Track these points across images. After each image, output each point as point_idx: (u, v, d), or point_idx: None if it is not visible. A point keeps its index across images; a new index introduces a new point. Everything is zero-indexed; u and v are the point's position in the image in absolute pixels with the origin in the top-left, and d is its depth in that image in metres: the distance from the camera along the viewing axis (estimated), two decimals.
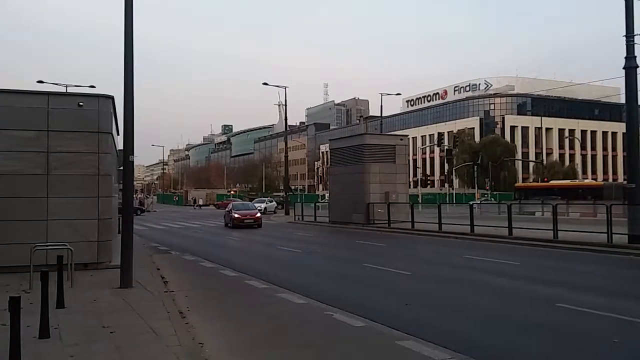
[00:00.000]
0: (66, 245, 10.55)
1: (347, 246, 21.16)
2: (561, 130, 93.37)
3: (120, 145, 13.58)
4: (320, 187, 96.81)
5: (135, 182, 14.30)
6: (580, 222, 22.91)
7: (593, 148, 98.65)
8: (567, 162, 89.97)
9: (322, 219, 34.19)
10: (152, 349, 6.26)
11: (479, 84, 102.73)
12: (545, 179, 57.70)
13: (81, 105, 12.93)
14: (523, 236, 19.47)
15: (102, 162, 13.08)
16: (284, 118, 48.53)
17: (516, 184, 62.39)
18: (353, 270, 14.02)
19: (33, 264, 10.05)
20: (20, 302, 5.01)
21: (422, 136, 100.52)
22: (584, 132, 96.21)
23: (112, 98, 13.64)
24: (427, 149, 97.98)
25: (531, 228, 20.06)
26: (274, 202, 54.37)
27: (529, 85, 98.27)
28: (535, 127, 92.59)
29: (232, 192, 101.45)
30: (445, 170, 79.23)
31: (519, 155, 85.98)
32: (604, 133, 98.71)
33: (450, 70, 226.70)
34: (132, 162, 11.06)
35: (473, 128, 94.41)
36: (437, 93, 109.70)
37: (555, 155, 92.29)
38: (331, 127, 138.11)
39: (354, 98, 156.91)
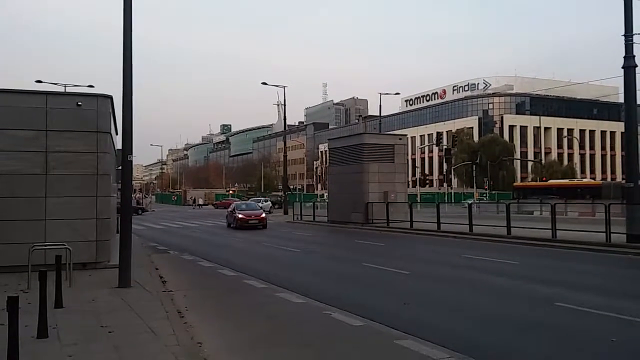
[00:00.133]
0: (64, 245, 10.54)
1: (346, 246, 21.16)
2: (560, 130, 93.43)
3: (118, 144, 13.58)
4: (319, 186, 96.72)
5: (133, 182, 14.27)
6: (579, 221, 22.95)
7: (591, 147, 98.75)
8: (565, 162, 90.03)
9: (321, 218, 34.18)
10: (150, 349, 6.26)
11: (478, 84, 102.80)
12: (544, 179, 57.77)
13: (80, 105, 12.92)
14: (522, 235, 19.48)
15: (101, 162, 13.07)
16: (282, 118, 48.55)
17: (515, 184, 62.52)
18: (352, 269, 14.02)
19: (31, 264, 10.06)
20: (18, 302, 5.00)
21: (421, 136, 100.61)
22: (582, 131, 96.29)
23: (110, 98, 13.63)
24: (426, 149, 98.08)
25: (530, 227, 20.07)
26: (269, 202, 54.11)
27: (527, 84, 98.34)
28: (534, 127, 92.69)
29: (230, 191, 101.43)
30: (444, 170, 79.26)
31: (517, 155, 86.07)
32: (603, 132, 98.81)
33: (449, 70, 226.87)
34: (131, 161, 11.07)
35: (472, 127, 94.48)
36: (436, 93, 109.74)
37: (554, 155, 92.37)
38: (330, 127, 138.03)
39: (353, 98, 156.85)
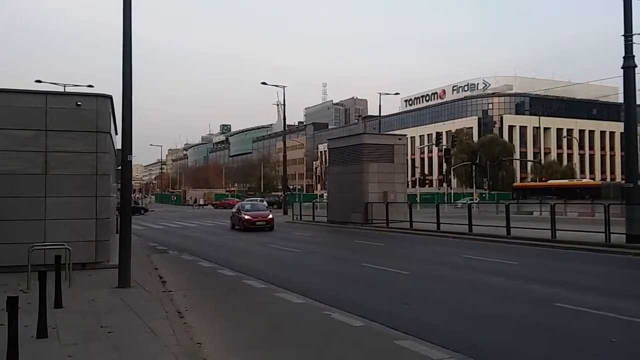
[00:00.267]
0: (64, 245, 10.54)
1: (346, 246, 21.16)
2: (559, 130, 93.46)
3: (118, 144, 13.57)
4: (319, 186, 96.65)
5: (133, 182, 14.27)
6: (578, 221, 22.94)
7: (591, 148, 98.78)
8: (565, 162, 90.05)
9: (321, 218, 34.18)
10: (150, 349, 6.26)
11: (477, 84, 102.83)
12: (543, 179, 57.79)
13: (79, 105, 12.92)
14: (521, 236, 19.48)
15: (100, 162, 13.06)
16: (282, 118, 48.53)
17: (514, 184, 62.54)
18: (351, 269, 14.02)
19: (31, 264, 10.05)
20: (18, 302, 5.00)
21: (420, 136, 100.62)
22: (582, 131, 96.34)
23: (110, 97, 13.62)
24: (426, 149, 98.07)
25: (529, 228, 20.07)
26: (265, 202, 53.46)
27: (527, 84, 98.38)
28: (534, 127, 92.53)
29: (230, 191, 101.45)
30: (444, 170, 79.30)
31: (517, 155, 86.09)
32: (602, 133, 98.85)
33: (449, 70, 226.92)
34: (130, 161, 11.07)
35: (471, 128, 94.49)
36: (436, 93, 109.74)
37: (554, 155, 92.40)
38: (329, 127, 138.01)
39: (353, 98, 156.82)
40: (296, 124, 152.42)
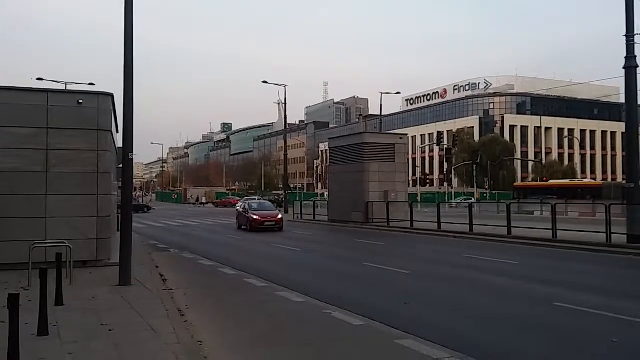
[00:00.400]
0: (65, 243, 10.54)
1: (346, 245, 21.15)
2: (560, 130, 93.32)
3: (119, 143, 13.56)
4: (320, 185, 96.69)
5: (134, 180, 14.28)
6: (579, 221, 22.94)
7: (592, 148, 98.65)
8: (566, 162, 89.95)
9: (321, 217, 34.19)
10: (150, 347, 6.26)
11: (479, 83, 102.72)
12: (545, 179, 57.73)
13: (81, 103, 12.93)
14: (522, 235, 19.48)
15: (102, 160, 13.07)
16: (283, 116, 48.50)
17: (515, 184, 62.47)
18: (352, 269, 14.02)
19: (32, 262, 10.05)
20: (19, 300, 5.00)
21: (421, 135, 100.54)
22: (583, 131, 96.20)
23: (111, 96, 13.63)
24: (427, 148, 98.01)
25: (530, 227, 20.06)
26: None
27: (528, 84, 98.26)
28: (535, 127, 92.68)
29: (231, 190, 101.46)
30: (445, 170, 79.20)
31: (518, 155, 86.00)
32: (603, 133, 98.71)
33: (450, 69, 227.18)
34: (132, 159, 11.06)
35: (472, 127, 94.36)
36: (437, 92, 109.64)
37: (555, 155, 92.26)
38: (331, 126, 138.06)
39: (354, 97, 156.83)
40: (297, 122, 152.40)
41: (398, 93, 64.36)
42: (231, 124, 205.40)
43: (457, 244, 19.70)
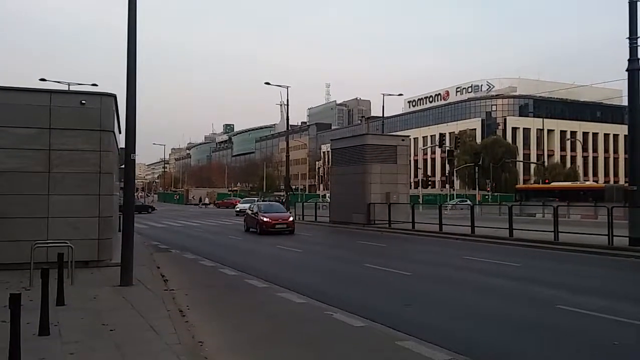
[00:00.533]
0: (67, 243, 10.55)
1: (348, 246, 21.14)
2: (563, 132, 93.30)
3: (122, 143, 13.60)
4: (321, 187, 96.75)
5: (136, 181, 14.30)
6: (581, 224, 22.86)
7: (594, 150, 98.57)
8: (568, 164, 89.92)
9: (323, 219, 34.18)
10: (152, 347, 6.26)
11: (481, 85, 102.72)
12: (547, 181, 57.62)
13: (83, 104, 12.95)
14: (524, 238, 19.45)
15: (104, 160, 13.09)
16: (285, 118, 48.48)
17: (517, 186, 62.33)
18: (353, 270, 14.02)
19: (33, 261, 10.05)
20: (20, 299, 5.01)
21: (423, 137, 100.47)
22: (585, 134, 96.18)
23: (114, 96, 13.65)
24: (429, 150, 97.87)
25: (532, 230, 20.03)
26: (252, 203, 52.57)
27: (531, 86, 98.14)
28: (537, 129, 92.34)
29: (232, 191, 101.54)
30: (447, 171, 79.19)
31: (520, 157, 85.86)
32: (606, 135, 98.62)
33: (453, 71, 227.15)
34: (134, 160, 11.07)
35: (475, 129, 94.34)
36: (439, 94, 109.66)
37: (557, 157, 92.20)
38: (333, 127, 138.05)
39: (356, 98, 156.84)
40: (299, 124, 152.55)
41: (400, 95, 64.22)
42: (233, 125, 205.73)
43: (458, 246, 19.67)
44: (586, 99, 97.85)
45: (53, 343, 6.33)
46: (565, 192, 43.84)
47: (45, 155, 12.61)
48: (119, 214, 14.83)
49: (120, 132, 16.36)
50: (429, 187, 68.75)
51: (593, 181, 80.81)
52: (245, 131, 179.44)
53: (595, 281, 12.18)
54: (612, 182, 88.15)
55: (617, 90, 76.98)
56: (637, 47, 16.59)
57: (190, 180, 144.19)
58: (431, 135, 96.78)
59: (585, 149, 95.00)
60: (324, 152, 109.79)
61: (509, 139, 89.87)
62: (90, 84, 32.51)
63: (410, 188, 40.91)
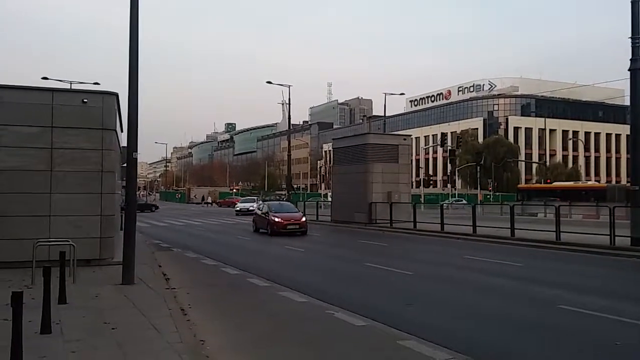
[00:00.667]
0: (69, 241, 10.57)
1: (349, 245, 21.14)
2: (565, 132, 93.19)
3: (124, 142, 13.61)
4: (323, 186, 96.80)
5: (138, 179, 14.31)
6: (583, 224, 22.83)
7: (597, 150, 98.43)
8: (570, 164, 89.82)
9: (324, 218, 34.17)
10: (153, 346, 6.27)
11: (483, 85, 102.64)
12: (548, 181, 57.60)
13: (85, 102, 12.96)
14: (526, 237, 19.42)
15: (106, 159, 13.10)
16: (287, 117, 48.48)
17: (519, 185, 62.40)
18: (355, 269, 14.02)
19: (35, 260, 10.08)
20: (22, 298, 5.01)
21: (425, 136, 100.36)
22: (587, 133, 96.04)
23: (116, 95, 13.66)
24: (430, 149, 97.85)
25: (534, 229, 20.00)
26: (260, 202, 52.39)
27: (533, 86, 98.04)
28: (539, 129, 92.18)
29: (234, 189, 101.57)
30: (448, 171, 79.13)
31: (522, 157, 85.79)
32: (608, 135, 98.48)
33: (452, 70, 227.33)
34: (136, 159, 11.09)
35: (476, 129, 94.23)
36: (441, 93, 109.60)
37: (559, 157, 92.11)
38: (334, 127, 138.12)
39: (358, 97, 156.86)
40: (301, 123, 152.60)
41: (402, 94, 64.20)
42: (235, 124, 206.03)
43: (460, 246, 19.66)
44: (588, 98, 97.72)
45: (55, 341, 6.34)
46: (567, 192, 43.83)
47: (48, 153, 12.63)
48: (121, 213, 14.86)
49: (122, 131, 16.36)
50: (431, 186, 68.83)
51: (595, 181, 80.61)
52: (247, 130, 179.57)
53: (597, 281, 12.16)
54: (614, 182, 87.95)
55: (619, 90, 76.76)
56: (639, 46, 16.55)
57: (192, 179, 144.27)
58: (433, 135, 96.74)
59: (587, 148, 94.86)
60: (325, 152, 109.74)
61: (511, 138, 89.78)
62: (92, 82, 32.50)
63: (412, 187, 40.93)
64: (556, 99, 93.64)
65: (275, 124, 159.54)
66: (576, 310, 8.51)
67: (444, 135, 62.58)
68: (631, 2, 16.60)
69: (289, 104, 43.48)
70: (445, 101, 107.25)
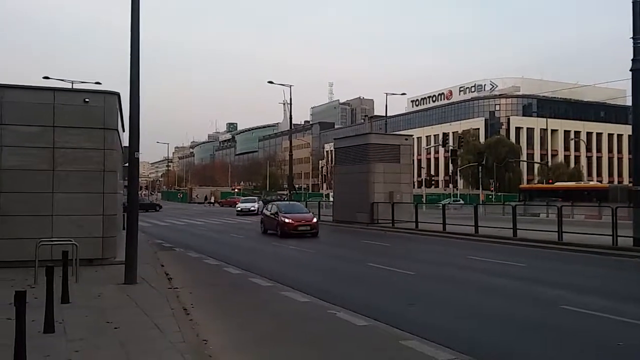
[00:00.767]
0: (71, 241, 10.58)
1: (351, 245, 21.14)
2: (567, 132, 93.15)
3: (125, 141, 13.62)
4: (325, 186, 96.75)
5: (140, 179, 14.32)
6: (585, 224, 22.78)
7: (598, 150, 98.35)
8: (572, 164, 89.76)
9: (326, 218, 34.12)
10: (156, 345, 6.28)
11: (485, 85, 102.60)
12: (550, 181, 57.58)
13: (87, 102, 12.98)
14: (528, 238, 19.40)
15: (108, 159, 13.11)
16: (288, 117, 48.47)
17: (521, 185, 62.38)
18: (357, 269, 14.01)
19: (38, 259, 10.10)
20: (25, 297, 5.01)
21: (427, 136, 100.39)
22: (589, 134, 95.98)
23: (118, 95, 13.67)
24: (432, 149, 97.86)
25: (536, 230, 19.97)
26: (260, 202, 52.21)
27: (534, 86, 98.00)
28: (541, 129, 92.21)
29: (236, 188, 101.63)
30: (450, 171, 79.11)
31: (524, 157, 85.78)
32: (610, 135, 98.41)
33: (452, 70, 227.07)
34: (138, 158, 11.09)
35: (478, 129, 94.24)
36: (442, 93, 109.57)
37: (561, 157, 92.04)
38: (336, 127, 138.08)
39: (359, 97, 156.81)
40: (302, 123, 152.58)
41: (403, 94, 64.19)
42: (236, 123, 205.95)
43: (462, 246, 19.64)
44: (590, 98, 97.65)
45: (58, 340, 6.34)
46: (569, 192, 43.79)
47: (49, 153, 12.64)
48: (123, 213, 14.86)
49: (124, 131, 16.39)
50: (433, 186, 68.74)
51: (597, 181, 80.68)
52: (249, 130, 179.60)
53: (599, 281, 12.15)
54: (616, 182, 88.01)
55: (621, 90, 76.74)
56: None
57: (194, 179, 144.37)
58: (434, 135, 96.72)
59: (589, 148, 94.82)
60: (327, 151, 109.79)
61: (513, 138, 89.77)
62: (94, 82, 32.51)
63: (414, 187, 40.94)
64: (558, 99, 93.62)
65: (277, 123, 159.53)
66: (579, 310, 8.50)
67: (445, 135, 62.23)
68: (632, 2, 16.57)
69: (290, 103, 43.48)
70: (446, 101, 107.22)
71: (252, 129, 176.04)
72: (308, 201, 43.18)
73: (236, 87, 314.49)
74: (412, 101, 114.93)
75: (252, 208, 46.05)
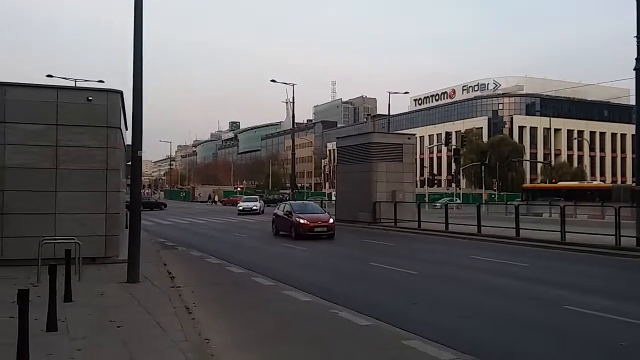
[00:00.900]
0: (74, 239, 10.60)
1: (354, 245, 21.12)
2: (570, 131, 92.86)
3: (128, 140, 13.63)
4: (327, 185, 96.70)
5: (142, 178, 14.34)
6: (588, 224, 22.74)
7: (602, 150, 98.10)
8: (575, 164, 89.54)
9: None
10: (158, 344, 6.29)
11: (488, 84, 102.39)
12: (553, 180, 57.38)
13: (90, 100, 12.99)
14: (531, 237, 19.37)
15: (111, 157, 13.12)
16: (291, 115, 48.52)
17: (524, 185, 62.14)
18: (359, 268, 14.01)
19: (41, 258, 10.12)
20: (28, 295, 5.03)
21: (429, 135, 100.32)
22: (592, 133, 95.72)
23: (121, 93, 13.68)
24: (435, 149, 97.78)
25: (539, 229, 19.94)
26: (261, 201, 51.97)
27: (538, 85, 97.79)
28: (544, 128, 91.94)
29: (239, 186, 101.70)
30: (453, 170, 78.98)
31: (527, 156, 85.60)
32: (613, 135, 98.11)
33: (459, 69, 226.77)
34: (140, 157, 11.10)
35: (481, 128, 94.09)
36: (445, 92, 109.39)
37: (564, 157, 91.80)
38: (338, 125, 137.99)
39: (362, 96, 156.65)
40: (305, 122, 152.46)
41: (406, 93, 64.23)
42: (239, 122, 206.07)
43: (465, 245, 19.63)
44: (593, 98, 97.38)
45: (61, 339, 6.36)
46: (572, 191, 43.62)
47: (53, 151, 12.66)
48: (126, 211, 14.88)
49: (127, 129, 16.40)
50: (435, 185, 68.69)
51: (600, 181, 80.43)
52: (251, 129, 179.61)
53: (602, 281, 12.12)
54: (619, 182, 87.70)
55: (624, 90, 76.56)
56: None
57: (197, 178, 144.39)
58: (437, 134, 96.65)
59: (592, 148, 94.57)
60: (329, 150, 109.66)
61: (516, 138, 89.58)
62: (97, 80, 32.60)
63: (416, 187, 40.86)
64: (561, 98, 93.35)
65: (279, 122, 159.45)
66: (581, 310, 8.49)
67: (448, 134, 62.14)
68: (636, 1, 16.52)
69: (293, 102, 43.56)
70: (449, 100, 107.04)
71: (255, 128, 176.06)
72: (310, 200, 43.17)
73: (238, 86, 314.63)
74: (414, 100, 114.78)
75: (254, 207, 46.01)
